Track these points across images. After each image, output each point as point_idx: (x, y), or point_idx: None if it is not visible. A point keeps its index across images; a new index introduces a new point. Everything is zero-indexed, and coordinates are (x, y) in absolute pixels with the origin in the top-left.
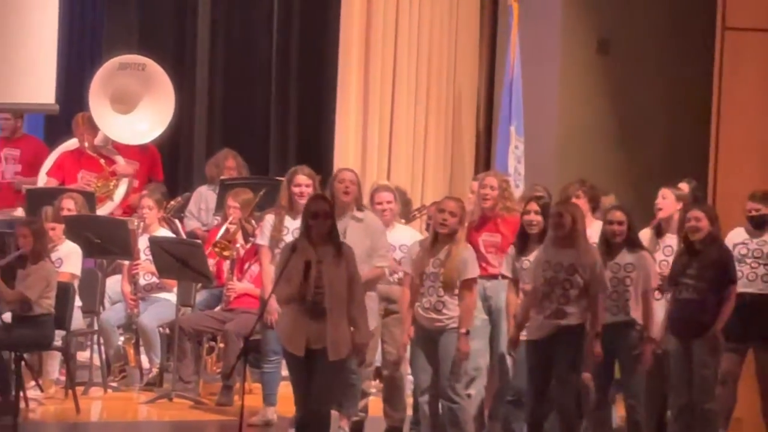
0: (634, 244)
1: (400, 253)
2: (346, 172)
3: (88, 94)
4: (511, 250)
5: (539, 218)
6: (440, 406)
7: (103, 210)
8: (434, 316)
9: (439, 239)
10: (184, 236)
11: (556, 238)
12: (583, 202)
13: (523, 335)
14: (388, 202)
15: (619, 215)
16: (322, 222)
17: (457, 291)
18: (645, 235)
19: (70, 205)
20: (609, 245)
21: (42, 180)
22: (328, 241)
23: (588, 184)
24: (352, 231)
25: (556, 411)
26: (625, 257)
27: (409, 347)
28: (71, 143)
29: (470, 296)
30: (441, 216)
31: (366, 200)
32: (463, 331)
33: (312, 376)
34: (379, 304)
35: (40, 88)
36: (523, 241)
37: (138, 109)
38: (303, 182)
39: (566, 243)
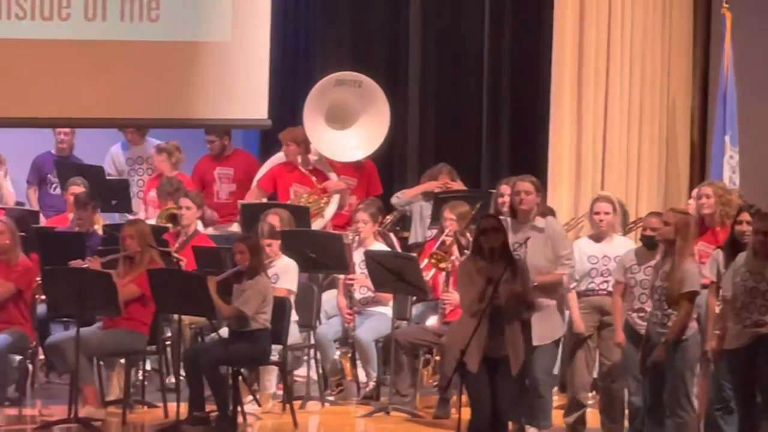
0: None
1: (613, 264)
2: (520, 182)
3: (303, 110)
4: (718, 254)
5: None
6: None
7: (314, 226)
8: (660, 330)
9: (667, 253)
10: (399, 250)
11: (761, 251)
12: None
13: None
14: (606, 213)
15: None
16: (491, 237)
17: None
18: None
19: (275, 221)
20: None
21: (253, 189)
22: (502, 256)
23: None
24: (533, 241)
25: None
26: None
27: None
28: (282, 154)
29: (686, 307)
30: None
31: (578, 211)
32: (663, 339)
33: (495, 385)
34: (593, 315)
35: (253, 103)
36: (734, 249)
37: (353, 126)
38: (506, 192)
39: None
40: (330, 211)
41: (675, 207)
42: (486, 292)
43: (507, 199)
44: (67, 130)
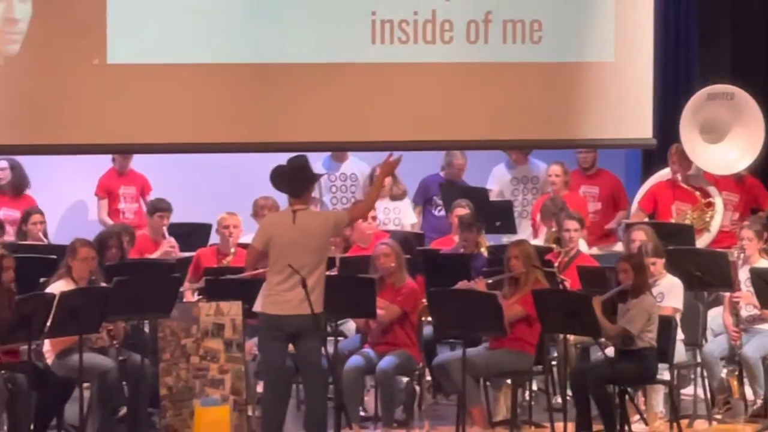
0: None
1: None
2: None
3: (680, 126)
4: None
5: None
6: None
7: (700, 242)
8: None
9: None
10: None
11: None
12: None
13: None
14: None
15: None
16: None
17: None
18: None
19: (640, 237)
20: None
21: (634, 210)
22: None
23: None
24: None
25: None
26: None
27: None
28: (665, 173)
29: None
30: None
31: None
32: None
33: None
34: None
35: (637, 123)
36: None
37: (727, 138)
38: None
39: None
40: (716, 224)
41: None
42: None
43: None
44: (459, 155)
